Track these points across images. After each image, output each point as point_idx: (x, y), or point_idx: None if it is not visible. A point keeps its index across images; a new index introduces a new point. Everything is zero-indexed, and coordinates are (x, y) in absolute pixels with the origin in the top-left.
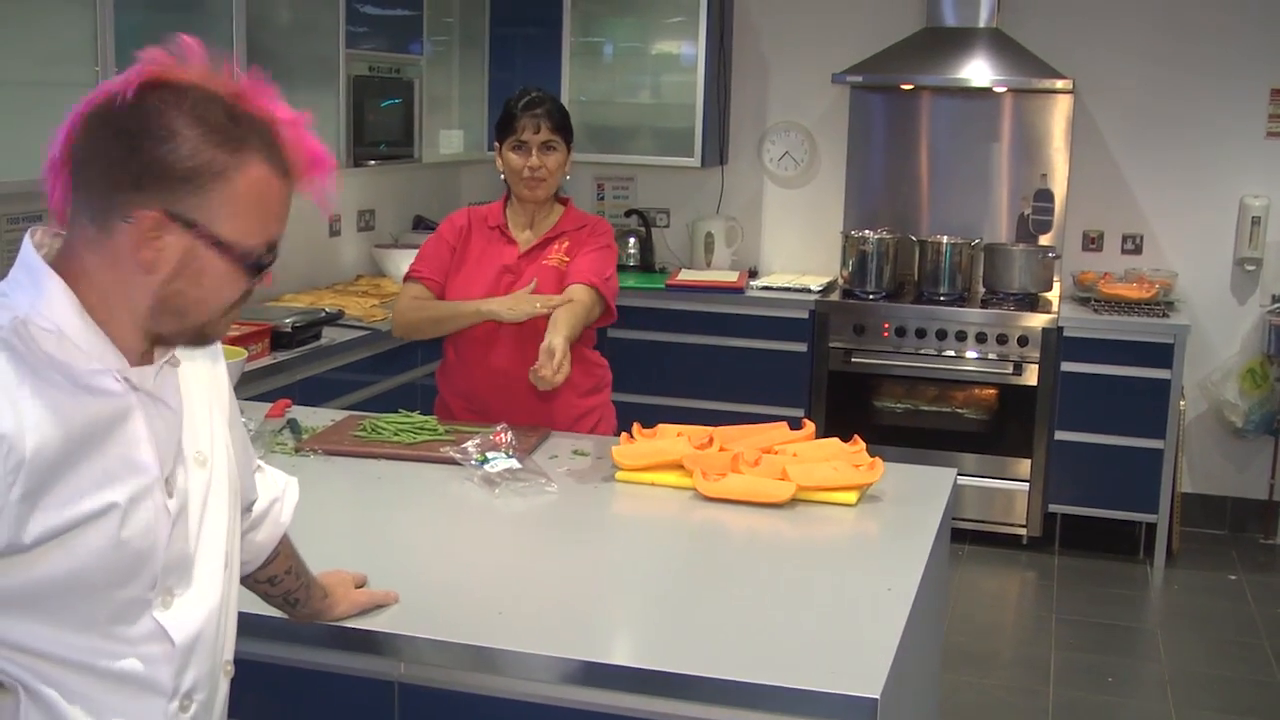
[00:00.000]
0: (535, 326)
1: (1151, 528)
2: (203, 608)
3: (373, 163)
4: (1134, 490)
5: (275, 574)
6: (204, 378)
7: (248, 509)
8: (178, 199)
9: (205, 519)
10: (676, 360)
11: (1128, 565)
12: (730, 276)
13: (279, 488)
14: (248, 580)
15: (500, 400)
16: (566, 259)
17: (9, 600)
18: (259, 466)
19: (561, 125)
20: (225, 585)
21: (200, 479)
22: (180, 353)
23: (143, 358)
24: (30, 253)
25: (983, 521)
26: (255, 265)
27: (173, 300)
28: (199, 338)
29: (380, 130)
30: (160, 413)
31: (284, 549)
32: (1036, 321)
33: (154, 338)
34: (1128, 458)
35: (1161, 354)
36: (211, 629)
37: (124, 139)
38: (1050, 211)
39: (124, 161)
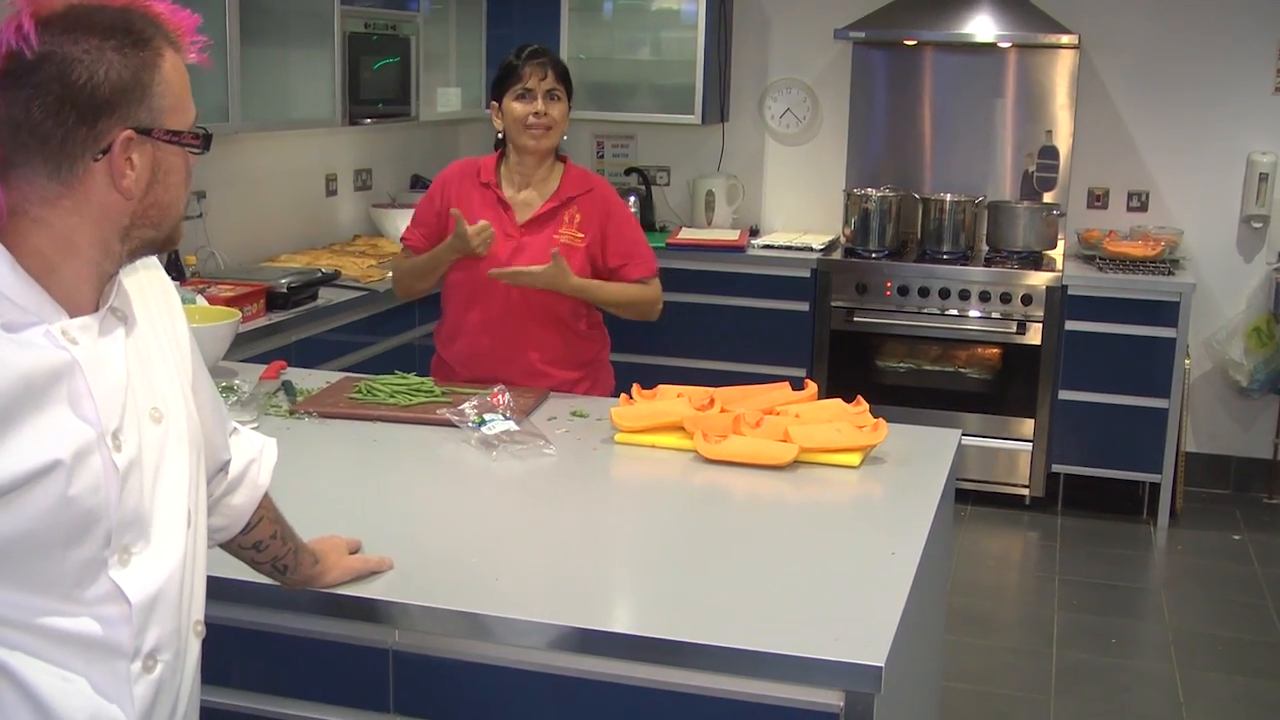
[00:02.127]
0: (532, 289)
1: (1155, 488)
2: (163, 566)
3: (369, 121)
4: (1138, 450)
5: (260, 539)
6: (163, 336)
7: (222, 470)
8: (131, 114)
9: (162, 475)
10: (677, 320)
11: (1131, 525)
12: (731, 235)
13: (255, 449)
14: (232, 546)
15: (496, 361)
16: (580, 235)
17: None
18: (234, 429)
19: (564, 75)
20: (189, 543)
21: (155, 435)
22: (136, 308)
23: (88, 306)
24: None
25: (985, 482)
26: (206, 139)
27: (150, 213)
28: (169, 242)
29: (377, 88)
30: (104, 366)
31: (266, 513)
32: (1040, 280)
33: (123, 259)
34: (1132, 417)
35: (1167, 312)
36: (174, 588)
37: (52, 87)
38: (1055, 169)
39: (66, 106)
